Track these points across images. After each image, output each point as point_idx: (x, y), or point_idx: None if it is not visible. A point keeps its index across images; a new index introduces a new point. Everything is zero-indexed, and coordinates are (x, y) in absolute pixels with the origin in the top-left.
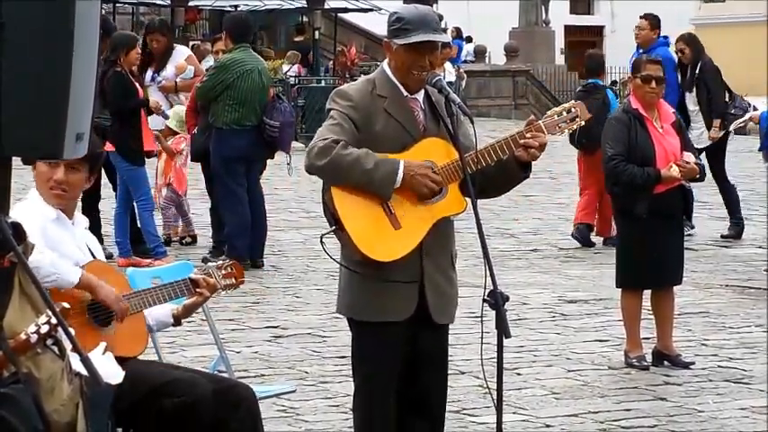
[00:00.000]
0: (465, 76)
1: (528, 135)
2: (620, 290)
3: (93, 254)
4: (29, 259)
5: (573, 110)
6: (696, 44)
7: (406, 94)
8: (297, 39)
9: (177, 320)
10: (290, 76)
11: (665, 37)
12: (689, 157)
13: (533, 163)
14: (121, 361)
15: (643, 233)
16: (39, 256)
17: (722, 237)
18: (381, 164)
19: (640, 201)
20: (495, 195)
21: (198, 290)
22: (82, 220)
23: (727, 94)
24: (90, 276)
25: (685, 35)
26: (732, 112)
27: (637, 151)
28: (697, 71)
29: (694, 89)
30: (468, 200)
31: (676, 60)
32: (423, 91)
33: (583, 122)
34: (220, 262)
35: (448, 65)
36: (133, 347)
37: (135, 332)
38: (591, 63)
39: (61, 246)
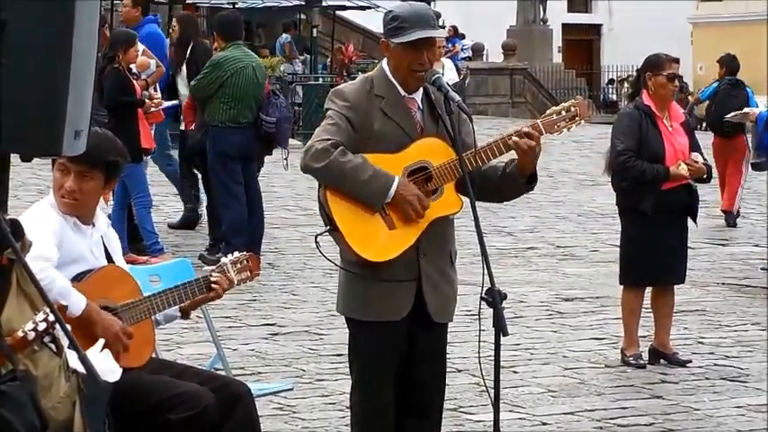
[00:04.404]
0: (468, 73)
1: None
2: (619, 287)
3: (111, 257)
4: (35, 270)
5: (573, 109)
6: (187, 26)
7: (403, 93)
8: None
9: (185, 313)
10: (288, 74)
11: (156, 15)
12: (697, 156)
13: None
14: (124, 371)
15: (647, 230)
16: (52, 274)
17: None
18: (376, 177)
19: (647, 197)
20: (496, 202)
21: (212, 289)
22: (102, 224)
23: None
24: (93, 311)
25: (176, 16)
26: None
27: (647, 148)
28: (188, 52)
29: (185, 69)
30: (464, 199)
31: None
32: (421, 90)
33: (583, 121)
34: (236, 255)
35: (448, 62)
36: (136, 358)
37: (140, 342)
38: (734, 63)
39: (75, 252)
